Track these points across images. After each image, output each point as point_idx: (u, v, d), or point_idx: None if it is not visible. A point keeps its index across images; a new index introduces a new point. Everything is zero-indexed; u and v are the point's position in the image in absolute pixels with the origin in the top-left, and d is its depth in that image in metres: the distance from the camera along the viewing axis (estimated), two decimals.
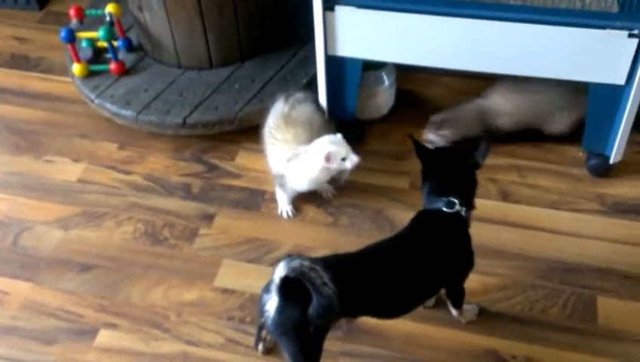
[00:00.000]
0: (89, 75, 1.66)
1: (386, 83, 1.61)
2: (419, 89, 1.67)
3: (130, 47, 1.71)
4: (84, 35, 1.68)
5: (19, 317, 1.29)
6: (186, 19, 1.59)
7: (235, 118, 1.56)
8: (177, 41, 1.63)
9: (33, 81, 1.78)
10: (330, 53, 1.43)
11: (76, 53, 1.64)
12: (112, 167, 1.57)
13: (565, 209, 1.42)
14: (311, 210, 1.45)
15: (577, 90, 1.47)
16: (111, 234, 1.43)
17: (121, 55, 1.68)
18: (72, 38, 1.62)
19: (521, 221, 1.40)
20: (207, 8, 1.57)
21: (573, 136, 1.51)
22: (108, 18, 1.67)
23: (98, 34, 1.63)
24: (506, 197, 1.45)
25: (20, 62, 1.83)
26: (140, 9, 1.62)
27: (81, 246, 1.41)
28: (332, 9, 1.37)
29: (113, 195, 1.51)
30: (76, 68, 1.64)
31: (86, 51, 1.69)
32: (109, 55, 1.67)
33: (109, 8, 1.67)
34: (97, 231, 1.44)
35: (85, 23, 1.70)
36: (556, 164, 1.51)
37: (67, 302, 1.30)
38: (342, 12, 1.37)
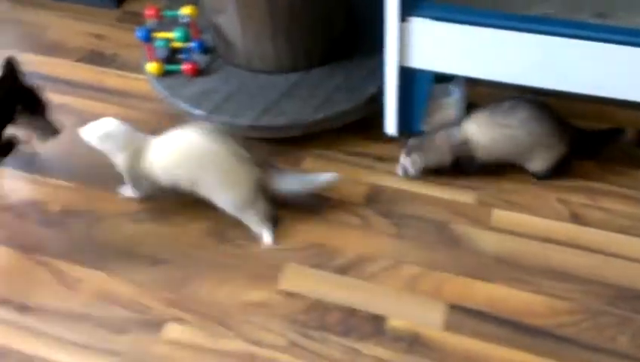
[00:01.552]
0: (163, 74, 1.70)
1: (454, 96, 1.61)
2: (487, 104, 1.67)
3: (204, 49, 1.75)
4: (160, 35, 1.73)
5: (91, 304, 1.34)
6: (257, 23, 1.62)
7: (302, 124, 1.59)
8: (248, 44, 1.67)
9: (109, 77, 1.84)
10: (401, 64, 1.44)
11: (152, 53, 1.69)
12: None
13: (637, 234, 1.40)
14: (375, 219, 1.46)
15: (558, 128, 1.45)
16: (179, 229, 1.47)
17: (195, 56, 1.73)
18: (148, 38, 1.67)
19: (592, 245, 1.39)
20: (278, 13, 1.60)
21: (555, 174, 1.49)
22: (184, 20, 1.71)
23: (174, 35, 1.67)
24: (576, 219, 1.44)
25: (96, 58, 1.90)
26: (215, 12, 1.67)
27: (151, 240, 1.45)
28: (406, 20, 1.38)
29: (181, 193, 1.55)
30: (151, 66, 1.69)
31: (161, 51, 1.74)
32: (183, 56, 1.72)
33: (186, 10, 1.72)
34: (167, 226, 1.48)
35: (162, 23, 1.75)
36: (629, 188, 1.49)
37: (137, 294, 1.35)
38: (416, 24, 1.38)
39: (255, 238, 1.44)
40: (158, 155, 1.41)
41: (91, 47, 1.93)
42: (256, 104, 1.62)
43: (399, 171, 1.54)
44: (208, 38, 1.77)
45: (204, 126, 1.42)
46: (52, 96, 1.70)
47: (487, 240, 1.40)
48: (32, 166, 1.63)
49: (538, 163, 1.48)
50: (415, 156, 1.51)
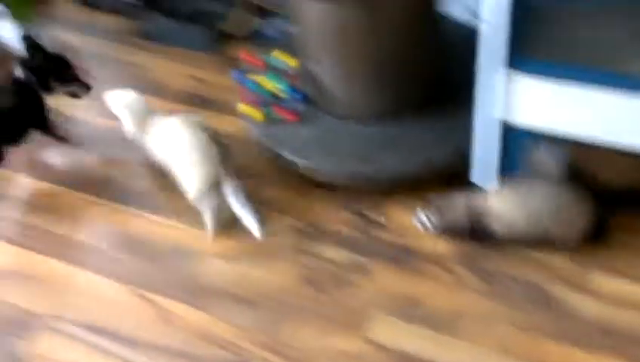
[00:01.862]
0: (260, 119, 1.77)
1: (550, 154, 1.61)
2: (591, 166, 1.65)
3: (300, 96, 1.81)
4: (260, 80, 1.80)
5: (190, 342, 1.39)
6: (351, 72, 1.68)
7: (392, 174, 1.62)
8: (341, 92, 1.72)
9: (207, 119, 1.91)
10: (495, 117, 1.45)
11: (249, 97, 1.76)
12: (275, 209, 1.66)
13: None
14: (466, 275, 1.47)
15: (584, 197, 1.43)
16: (274, 273, 1.52)
17: (292, 103, 1.79)
18: (245, 81, 1.75)
19: None
20: (372, 63, 1.65)
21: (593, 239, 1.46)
22: (283, 66, 1.78)
23: (274, 81, 1.74)
24: None
25: (196, 100, 1.98)
26: (311, 60, 1.73)
27: (247, 282, 1.51)
28: (503, 74, 1.39)
29: (276, 236, 1.59)
30: (248, 111, 1.77)
31: (258, 96, 1.81)
32: (281, 102, 1.78)
33: (285, 57, 1.79)
34: (262, 269, 1.53)
35: (260, 68, 1.82)
36: None
37: (234, 335, 1.40)
38: (514, 78, 1.39)
39: (347, 286, 1.47)
40: (153, 133, 1.66)
41: (191, 90, 2.02)
42: (347, 152, 1.67)
43: (418, 225, 1.55)
44: (304, 85, 1.83)
45: (191, 117, 1.66)
46: None
47: (587, 306, 1.39)
48: (128, 200, 1.72)
49: (562, 239, 1.46)
50: (430, 213, 1.51)
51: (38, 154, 1.85)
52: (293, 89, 1.80)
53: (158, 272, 1.55)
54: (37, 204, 1.74)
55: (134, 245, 1.61)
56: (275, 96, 1.82)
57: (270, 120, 1.77)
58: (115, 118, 1.72)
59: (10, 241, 1.64)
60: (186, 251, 1.59)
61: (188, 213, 1.65)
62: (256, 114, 1.77)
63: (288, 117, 1.76)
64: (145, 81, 2.05)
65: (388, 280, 1.48)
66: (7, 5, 2.02)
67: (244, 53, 1.81)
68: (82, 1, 2.36)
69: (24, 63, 1.73)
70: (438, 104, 1.75)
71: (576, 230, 1.45)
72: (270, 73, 1.80)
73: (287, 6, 2.06)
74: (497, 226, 1.47)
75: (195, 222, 1.63)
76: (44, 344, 1.43)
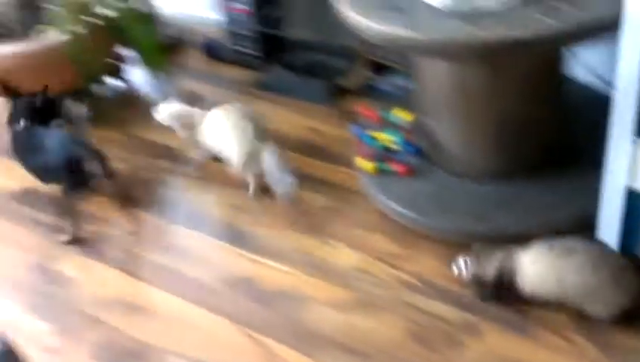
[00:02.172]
0: (375, 171, 1.80)
1: None
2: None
3: (416, 151, 1.83)
4: (375, 134, 1.84)
5: None
6: (470, 131, 1.68)
7: (507, 234, 1.59)
8: (460, 150, 1.73)
9: (321, 169, 1.97)
10: (627, 184, 1.41)
11: (365, 150, 1.79)
12: (385, 261, 1.67)
13: None
14: (585, 345, 1.41)
15: (620, 279, 1.33)
16: (380, 326, 1.52)
17: (406, 157, 1.81)
18: (363, 136, 1.78)
19: None
20: (492, 123, 1.65)
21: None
22: (399, 122, 1.81)
23: (389, 136, 1.77)
24: None
25: (309, 149, 2.05)
26: (429, 116, 1.75)
27: (356, 333, 1.51)
28: (634, 142, 1.35)
29: (386, 288, 1.60)
30: (363, 163, 1.80)
31: (374, 149, 1.85)
32: (396, 156, 1.81)
33: (402, 113, 1.82)
34: (372, 320, 1.53)
35: (377, 123, 1.86)
36: None
37: None
38: None
39: (458, 345, 1.44)
40: (200, 129, 1.90)
41: (308, 140, 2.09)
42: (462, 210, 1.66)
43: (454, 269, 1.52)
44: (419, 139, 1.85)
45: (230, 105, 1.90)
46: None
47: None
48: (243, 242, 1.77)
49: (596, 311, 1.38)
50: (466, 259, 1.49)
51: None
52: (408, 143, 1.83)
53: (268, 315, 1.58)
54: (157, 241, 1.84)
55: (247, 286, 1.65)
56: (389, 150, 1.85)
57: (383, 173, 1.79)
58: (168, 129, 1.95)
59: (132, 274, 1.72)
60: (296, 296, 1.61)
61: (301, 259, 1.69)
62: (369, 166, 1.80)
63: (401, 170, 1.78)
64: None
65: (500, 342, 1.44)
66: (141, 53, 2.18)
67: (362, 108, 1.86)
68: (208, 53, 2.52)
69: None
70: (557, 165, 1.72)
71: (613, 307, 1.37)
72: (386, 127, 1.83)
73: (406, 63, 2.12)
74: (523, 285, 1.42)
75: (308, 269, 1.66)
76: None
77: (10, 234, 1.85)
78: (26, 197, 1.97)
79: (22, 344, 1.37)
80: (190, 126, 1.92)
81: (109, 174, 1.80)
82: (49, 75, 2.09)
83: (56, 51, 2.03)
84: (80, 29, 2.04)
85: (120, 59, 2.29)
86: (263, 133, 1.83)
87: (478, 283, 1.50)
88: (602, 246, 1.43)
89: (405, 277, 1.63)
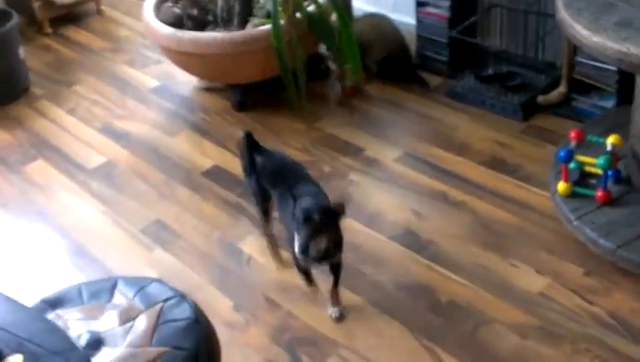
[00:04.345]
0: (571, 195, 1.69)
1: None
2: None
3: (618, 178, 1.70)
4: (581, 158, 1.72)
5: None
6: None
7: None
8: None
9: (508, 186, 1.89)
10: None
11: (566, 173, 1.69)
12: (576, 292, 1.57)
13: None
14: None
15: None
16: (562, 358, 1.42)
17: (609, 184, 1.69)
18: (569, 159, 1.68)
19: None
20: None
21: None
22: (609, 148, 1.69)
23: (596, 161, 1.66)
24: None
25: (498, 165, 1.97)
26: None
27: (530, 358, 1.43)
28: None
29: (573, 321, 1.50)
30: (561, 186, 1.69)
31: (573, 173, 1.74)
32: (596, 181, 1.69)
33: (612, 139, 1.70)
34: (553, 351, 1.44)
35: (581, 146, 1.75)
36: None
37: None
38: None
39: None
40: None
41: (494, 153, 2.01)
42: None
43: None
44: (627, 166, 1.71)
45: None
46: (452, 192, 1.86)
47: None
48: (421, 248, 1.74)
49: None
50: None
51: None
52: (612, 168, 1.70)
53: (442, 325, 1.53)
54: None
55: (422, 294, 1.62)
56: (589, 174, 1.73)
57: (580, 197, 1.68)
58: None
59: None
60: (472, 311, 1.55)
61: (480, 275, 1.63)
62: (565, 188, 1.69)
63: (600, 196, 1.65)
64: (447, 138, 2.10)
65: None
66: (337, 51, 2.21)
67: (573, 131, 1.76)
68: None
69: None
70: None
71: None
72: (590, 150, 1.71)
73: (612, 83, 1.98)
74: None
75: (487, 286, 1.60)
76: None
77: (198, 208, 1.96)
78: (215, 175, 2.07)
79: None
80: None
81: None
82: (251, 63, 2.19)
83: (260, 42, 2.12)
84: (286, 22, 2.11)
85: (318, 55, 2.37)
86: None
87: None
88: None
89: (597, 311, 1.51)
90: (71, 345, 0.89)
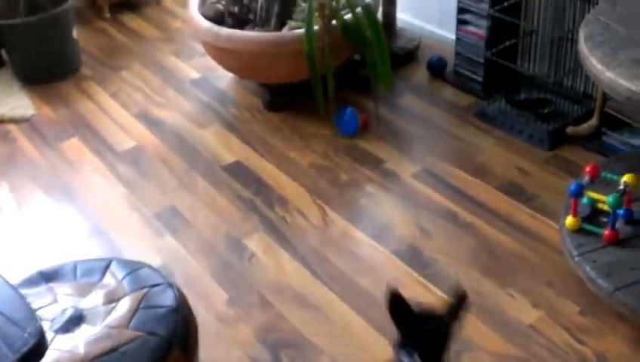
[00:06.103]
0: (578, 230, 1.66)
1: None
2: None
3: (629, 219, 1.66)
4: (591, 194, 1.69)
5: None
6: None
7: None
8: None
9: (521, 213, 1.87)
10: None
11: (575, 208, 1.66)
12: (567, 329, 1.54)
13: None
14: None
15: None
16: None
17: (618, 224, 1.64)
18: (579, 193, 1.65)
19: None
20: None
21: None
22: (621, 186, 1.64)
23: (606, 199, 1.62)
24: None
25: (515, 191, 1.94)
26: None
27: None
28: None
29: (559, 357, 1.48)
30: (569, 220, 1.66)
31: (584, 208, 1.70)
32: (605, 220, 1.65)
33: (626, 178, 1.65)
34: None
35: (595, 182, 1.71)
36: None
37: None
38: None
39: None
40: None
41: (513, 179, 1.99)
42: None
43: None
44: (637, 208, 1.67)
45: None
46: (463, 214, 1.84)
47: None
48: (420, 265, 1.73)
49: None
50: None
51: None
52: (621, 207, 1.65)
53: None
54: (341, 244, 1.88)
55: None
56: (598, 211, 1.69)
57: (586, 233, 1.64)
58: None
59: (311, 271, 1.76)
60: (462, 338, 1.50)
61: (474, 301, 1.60)
62: (573, 223, 1.66)
63: (607, 235, 1.61)
64: (469, 159, 2.09)
65: None
66: (372, 71, 2.21)
67: (589, 166, 1.72)
68: (431, 70, 2.50)
69: None
70: None
71: None
72: (607, 191, 1.67)
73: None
74: None
75: (479, 313, 1.58)
76: None
77: (212, 200, 2.01)
78: (235, 170, 2.12)
79: (197, 303, 1.48)
80: None
81: None
82: (282, 65, 2.23)
83: (292, 45, 2.15)
84: (320, 28, 2.14)
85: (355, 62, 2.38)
86: None
87: None
88: None
89: (585, 351, 1.48)
90: (31, 316, 0.94)
